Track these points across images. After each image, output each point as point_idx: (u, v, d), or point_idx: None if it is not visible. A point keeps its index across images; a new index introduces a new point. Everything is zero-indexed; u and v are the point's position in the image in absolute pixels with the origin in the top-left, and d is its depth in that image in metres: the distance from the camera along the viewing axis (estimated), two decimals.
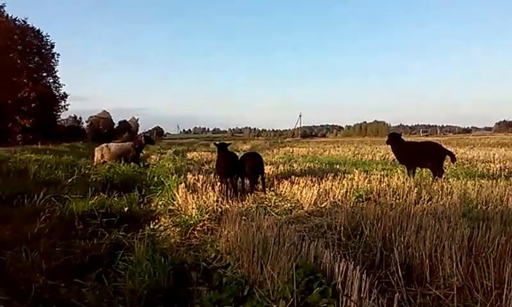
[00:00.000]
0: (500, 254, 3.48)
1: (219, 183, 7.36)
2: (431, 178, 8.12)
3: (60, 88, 51.53)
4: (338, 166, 10.49)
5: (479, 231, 3.91)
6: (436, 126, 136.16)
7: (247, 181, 7.74)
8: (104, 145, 13.84)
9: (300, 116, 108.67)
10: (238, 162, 7.56)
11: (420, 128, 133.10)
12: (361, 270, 2.98)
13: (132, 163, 12.29)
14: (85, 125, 71.24)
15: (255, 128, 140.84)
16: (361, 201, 6.31)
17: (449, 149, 9.96)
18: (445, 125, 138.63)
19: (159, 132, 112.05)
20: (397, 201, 6.26)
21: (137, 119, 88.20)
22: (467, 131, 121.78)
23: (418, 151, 8.91)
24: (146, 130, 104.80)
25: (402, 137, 9.38)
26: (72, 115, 68.58)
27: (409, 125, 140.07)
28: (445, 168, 9.28)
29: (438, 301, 3.03)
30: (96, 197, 6.64)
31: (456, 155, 14.32)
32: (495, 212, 5.07)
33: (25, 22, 46.62)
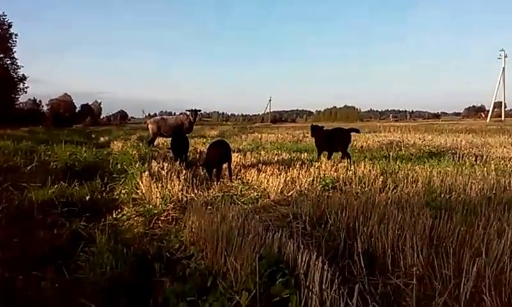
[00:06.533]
0: (460, 244, 3.55)
1: (184, 172, 7.23)
2: (397, 166, 8.24)
3: (18, 70, 49.83)
4: (306, 154, 10.51)
5: (441, 221, 3.98)
6: (406, 111, 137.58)
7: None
8: (159, 118, 14.62)
9: (270, 100, 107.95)
10: (187, 143, 9.46)
11: (390, 113, 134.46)
12: (323, 261, 2.97)
13: (94, 149, 12.32)
14: (45, 108, 69.08)
15: (223, 113, 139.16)
16: (328, 190, 6.31)
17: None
18: (414, 110, 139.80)
19: (122, 116, 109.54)
20: (363, 189, 6.33)
21: (100, 103, 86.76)
22: (436, 116, 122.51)
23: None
24: (110, 114, 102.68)
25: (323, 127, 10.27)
26: (32, 98, 66.15)
27: (379, 110, 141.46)
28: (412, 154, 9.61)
29: (398, 290, 3.07)
30: (56, 185, 6.37)
31: (424, 142, 14.76)
32: (457, 201, 5.16)
33: None
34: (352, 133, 9.81)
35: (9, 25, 47.83)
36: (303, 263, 2.97)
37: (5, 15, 47.45)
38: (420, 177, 6.77)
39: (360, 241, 3.61)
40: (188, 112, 14.14)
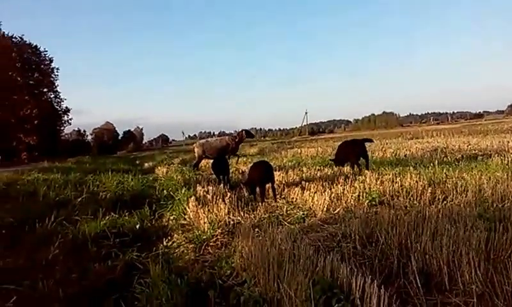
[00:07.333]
0: None
1: (229, 194, 7.30)
2: (444, 174, 7.98)
3: (62, 103, 51.73)
4: (348, 168, 10.37)
5: (496, 234, 3.83)
6: (446, 113, 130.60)
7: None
8: (203, 141, 15.08)
9: (306, 112, 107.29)
10: (227, 164, 9.99)
11: (430, 116, 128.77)
12: (378, 283, 2.94)
13: (139, 176, 12.72)
14: (89, 137, 71.58)
15: (261, 129, 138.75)
16: (375, 205, 6.21)
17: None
18: (455, 112, 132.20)
19: (164, 139, 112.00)
20: (412, 202, 6.17)
21: (142, 129, 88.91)
22: (479, 116, 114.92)
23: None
24: (152, 138, 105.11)
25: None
26: (76, 129, 68.79)
27: (419, 113, 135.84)
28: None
29: None
30: (107, 216, 6.61)
31: (469, 146, 14.26)
32: (511, 210, 4.93)
33: (22, 38, 46.79)
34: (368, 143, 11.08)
35: (51, 61, 49.58)
36: (358, 287, 2.95)
37: (46, 51, 49.39)
38: (469, 185, 6.52)
39: (413, 259, 3.53)
40: (242, 132, 14.47)
